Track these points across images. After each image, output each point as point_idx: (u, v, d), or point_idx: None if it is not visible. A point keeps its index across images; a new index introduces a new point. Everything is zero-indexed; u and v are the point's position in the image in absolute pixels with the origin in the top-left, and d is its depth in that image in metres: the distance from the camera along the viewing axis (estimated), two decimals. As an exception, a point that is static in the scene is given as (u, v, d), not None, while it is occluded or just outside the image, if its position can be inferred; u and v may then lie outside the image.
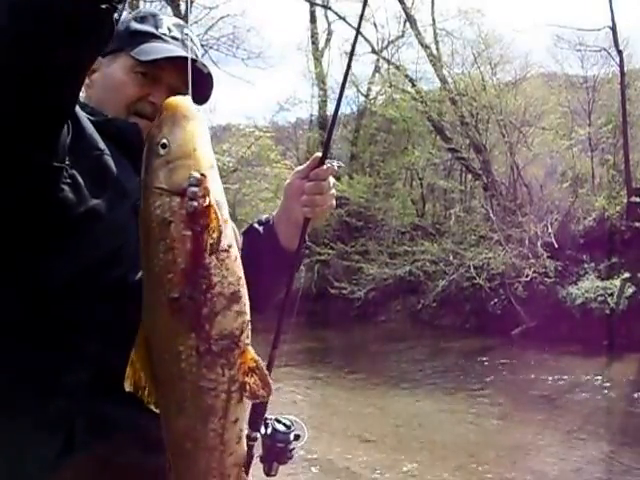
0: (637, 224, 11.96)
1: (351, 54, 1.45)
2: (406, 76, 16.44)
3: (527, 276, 12.25)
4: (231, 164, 17.06)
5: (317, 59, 18.85)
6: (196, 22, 15.95)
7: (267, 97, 38.88)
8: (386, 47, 17.98)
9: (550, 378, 9.30)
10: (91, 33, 0.92)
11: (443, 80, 15.55)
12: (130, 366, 0.98)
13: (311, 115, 19.93)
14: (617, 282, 11.64)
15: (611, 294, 11.43)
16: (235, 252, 0.99)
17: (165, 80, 1.28)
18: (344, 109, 16.74)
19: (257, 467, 1.20)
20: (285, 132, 21.70)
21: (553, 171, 15.41)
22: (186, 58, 1.10)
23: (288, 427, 1.29)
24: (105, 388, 1.06)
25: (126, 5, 0.97)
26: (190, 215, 0.95)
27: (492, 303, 12.90)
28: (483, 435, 7.10)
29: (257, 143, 17.71)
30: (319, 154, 1.31)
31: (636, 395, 8.48)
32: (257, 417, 1.22)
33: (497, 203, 14.29)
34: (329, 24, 19.13)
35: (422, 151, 16.27)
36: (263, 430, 1.25)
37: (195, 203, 0.94)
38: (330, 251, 15.68)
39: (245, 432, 1.10)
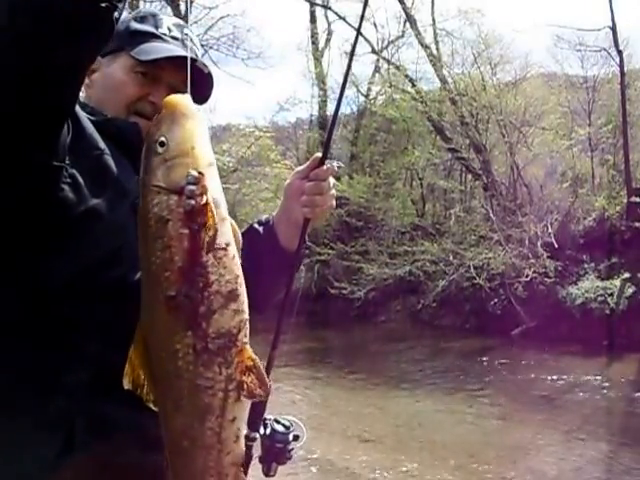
0: (637, 224, 11.96)
1: (351, 54, 1.45)
2: (406, 76, 16.43)
3: (527, 276, 12.24)
4: (231, 164, 17.04)
5: (317, 59, 18.84)
6: (196, 22, 15.95)
7: (267, 97, 38.94)
8: (386, 47, 18.01)
9: (550, 378, 9.29)
10: (91, 32, 0.92)
11: (443, 80, 15.54)
12: (128, 363, 0.98)
13: (311, 115, 19.97)
14: (617, 282, 11.63)
15: (611, 294, 11.43)
16: (233, 250, 0.98)
17: (165, 80, 1.28)
18: (344, 109, 16.76)
19: (256, 467, 1.19)
20: (285, 132, 21.68)
21: (553, 171, 15.41)
22: (186, 58, 1.11)
23: (287, 427, 1.28)
24: (105, 388, 1.06)
25: (126, 5, 0.97)
26: (187, 213, 0.94)
27: (492, 303, 12.89)
28: (483, 435, 7.09)
29: (257, 143, 17.68)
30: (319, 154, 1.30)
31: (636, 395, 8.49)
32: (256, 417, 1.21)
33: (497, 203, 14.28)
34: (329, 24, 19.19)
35: (422, 151, 16.26)
36: (262, 430, 1.24)
37: (192, 201, 0.94)
38: (330, 251, 15.67)
39: (243, 431, 1.10)
